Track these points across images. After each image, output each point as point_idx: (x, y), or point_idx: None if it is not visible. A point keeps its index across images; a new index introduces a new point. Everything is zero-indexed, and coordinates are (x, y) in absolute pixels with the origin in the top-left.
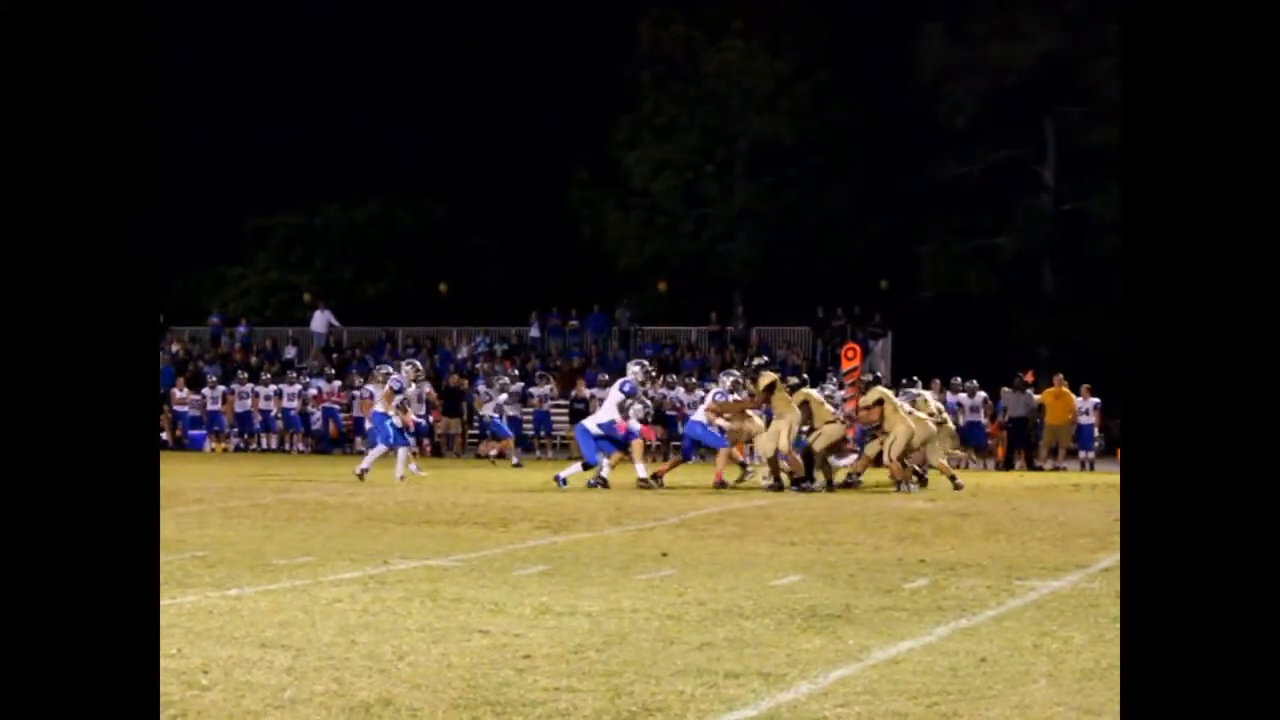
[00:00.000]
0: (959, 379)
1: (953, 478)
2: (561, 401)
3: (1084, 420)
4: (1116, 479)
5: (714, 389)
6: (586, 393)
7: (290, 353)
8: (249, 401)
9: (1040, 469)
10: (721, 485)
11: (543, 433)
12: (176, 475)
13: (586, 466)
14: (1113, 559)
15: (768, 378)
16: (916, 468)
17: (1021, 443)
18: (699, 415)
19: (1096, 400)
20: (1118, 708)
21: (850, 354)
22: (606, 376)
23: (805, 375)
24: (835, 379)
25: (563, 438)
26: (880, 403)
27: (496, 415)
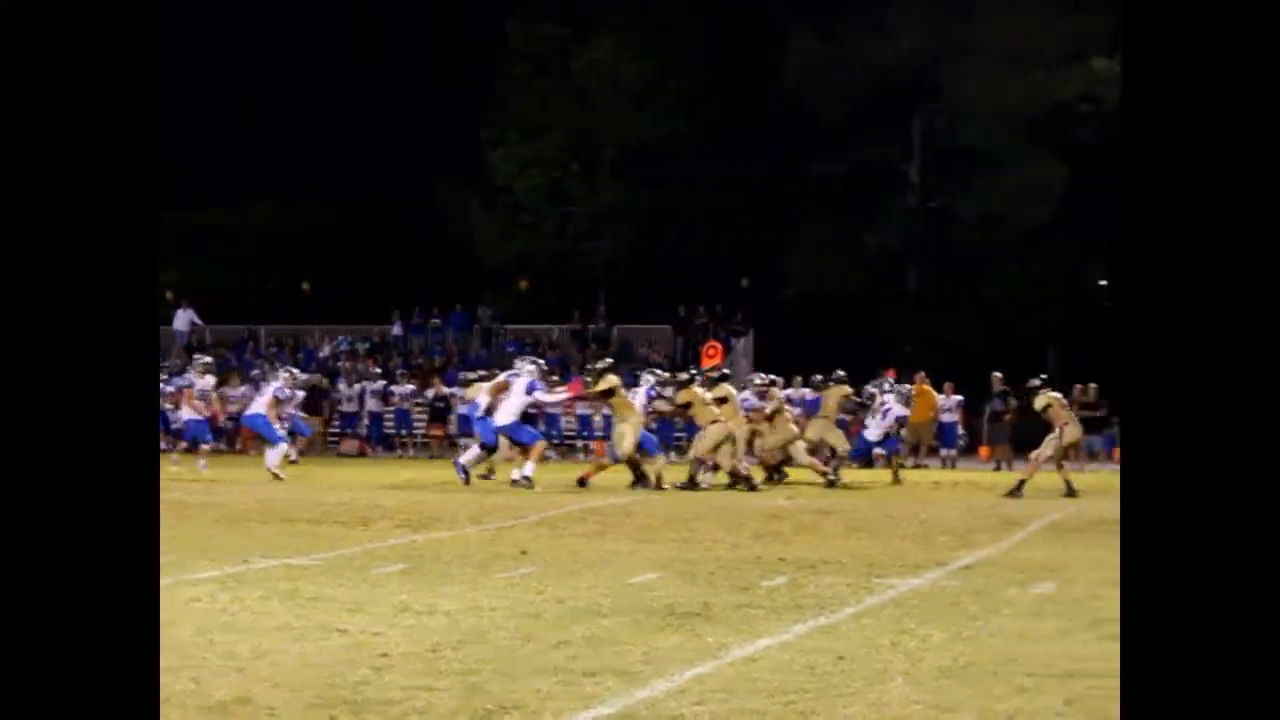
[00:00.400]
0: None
1: (825, 474)
2: (421, 400)
3: (947, 418)
4: (978, 476)
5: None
6: (445, 391)
7: None
8: None
9: (902, 467)
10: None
11: (403, 431)
12: None
13: (486, 447)
14: (973, 557)
15: (608, 381)
16: (766, 468)
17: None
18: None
19: (959, 398)
20: (976, 705)
21: (711, 352)
22: (469, 375)
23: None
24: (761, 377)
25: (423, 436)
26: (689, 405)
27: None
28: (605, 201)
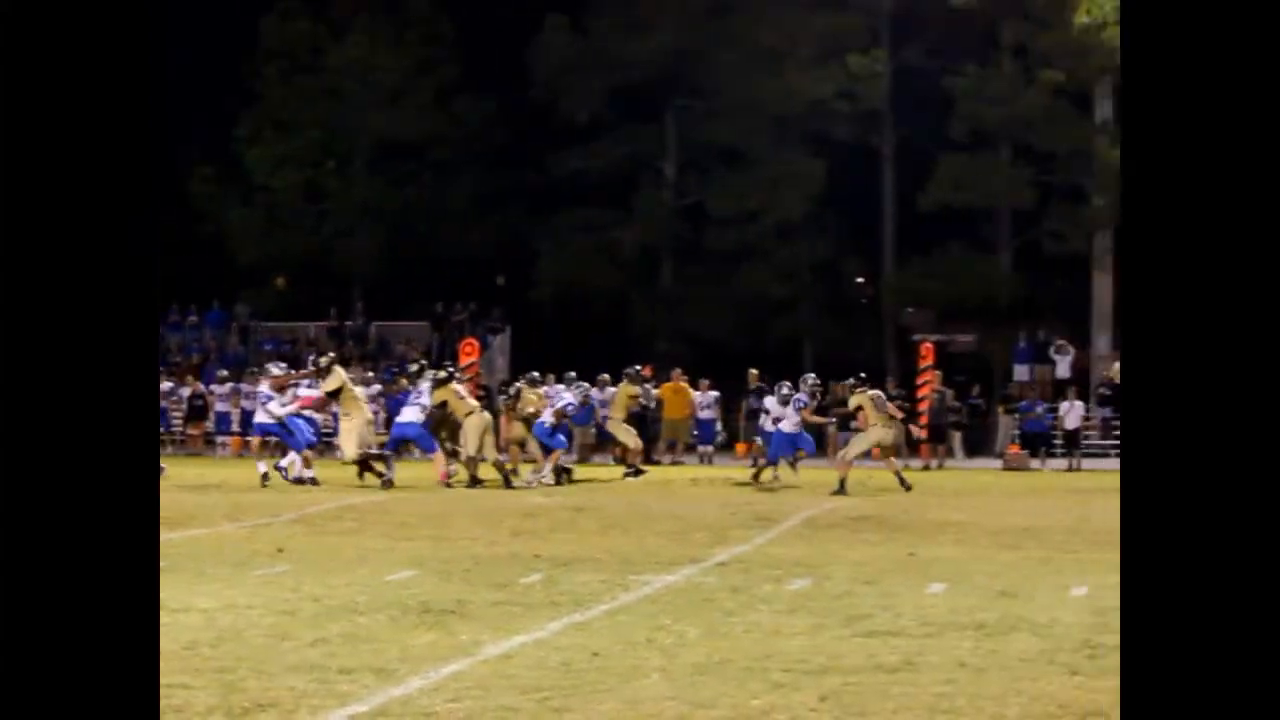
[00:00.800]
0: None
1: (562, 468)
2: (177, 398)
3: (704, 415)
4: (734, 472)
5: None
6: (203, 389)
7: None
8: None
9: (658, 463)
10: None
11: (161, 429)
12: None
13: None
14: (729, 553)
15: (336, 378)
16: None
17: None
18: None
19: (716, 394)
20: (731, 701)
21: (468, 349)
22: (225, 372)
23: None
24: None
25: (181, 434)
26: (443, 404)
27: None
28: (361, 198)
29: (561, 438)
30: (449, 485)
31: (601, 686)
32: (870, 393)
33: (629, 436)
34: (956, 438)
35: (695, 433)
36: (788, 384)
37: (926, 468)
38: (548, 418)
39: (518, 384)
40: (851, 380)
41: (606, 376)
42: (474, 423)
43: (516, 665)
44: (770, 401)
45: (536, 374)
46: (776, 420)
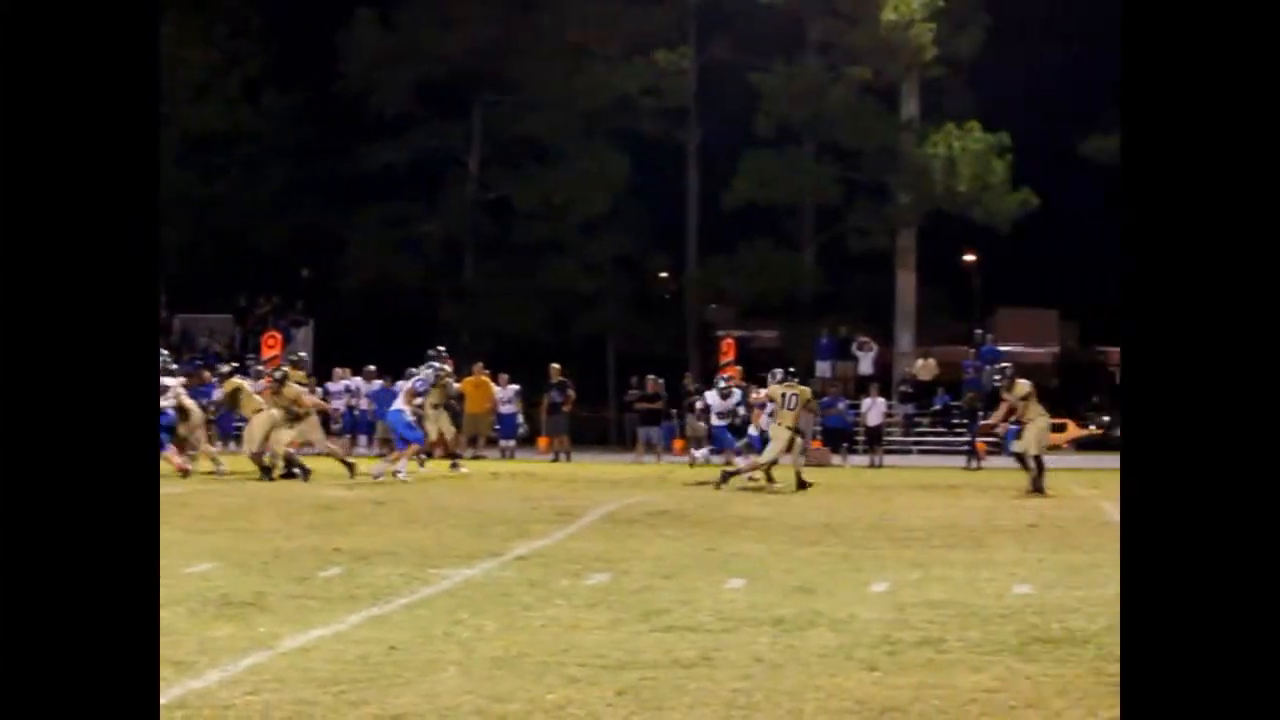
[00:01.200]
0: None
1: (348, 465)
2: None
3: (505, 409)
4: (535, 467)
5: (415, 377)
6: None
7: None
8: None
9: (459, 457)
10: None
11: None
12: None
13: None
14: (528, 547)
15: (231, 384)
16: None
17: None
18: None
19: (517, 388)
20: (528, 695)
21: (271, 342)
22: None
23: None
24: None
25: None
26: (235, 393)
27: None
28: (166, 190)
29: (419, 432)
30: (186, 475)
31: (399, 680)
32: (801, 387)
33: (448, 426)
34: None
35: (497, 427)
36: (724, 377)
37: (727, 462)
38: (406, 408)
39: (283, 368)
40: (779, 372)
41: (415, 370)
42: (261, 419)
43: (314, 658)
44: (711, 396)
45: (302, 354)
46: (720, 415)
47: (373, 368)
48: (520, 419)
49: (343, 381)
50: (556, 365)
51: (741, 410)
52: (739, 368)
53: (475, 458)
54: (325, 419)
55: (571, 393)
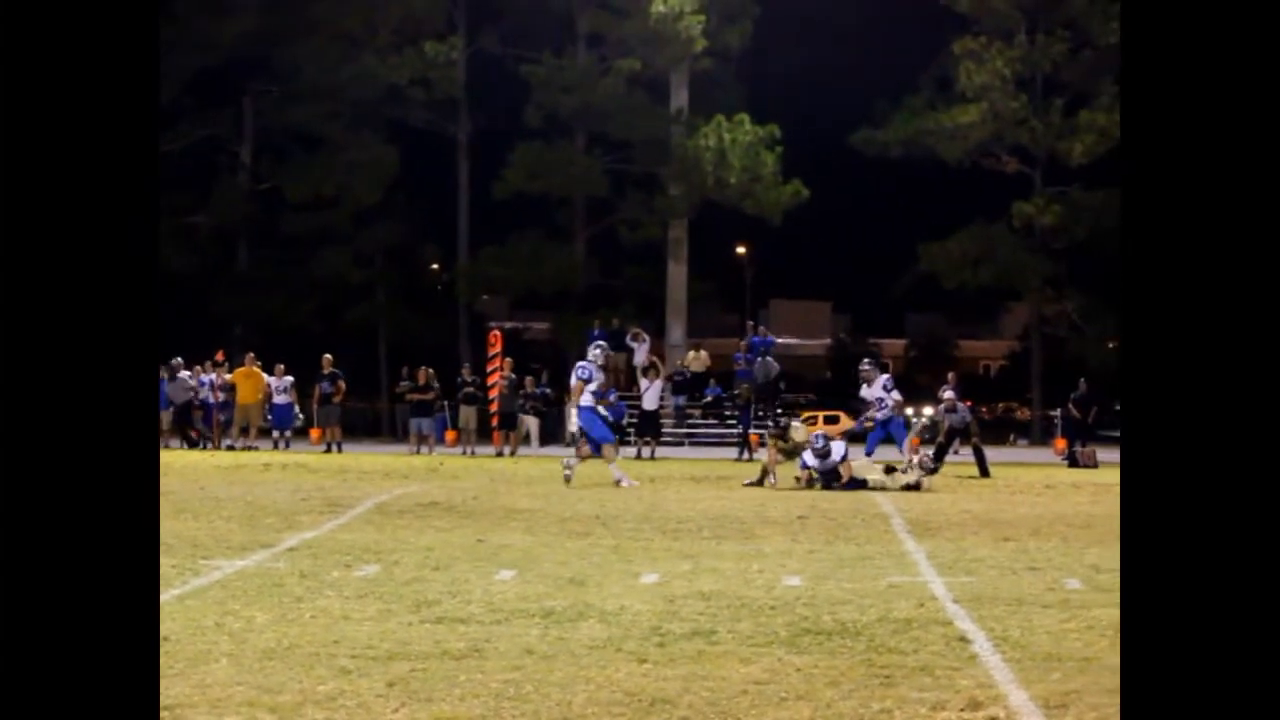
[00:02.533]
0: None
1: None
2: None
3: (280, 399)
4: (309, 458)
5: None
6: None
7: None
8: None
9: (233, 449)
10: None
11: None
12: None
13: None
14: (298, 538)
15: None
16: None
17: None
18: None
19: (291, 379)
20: (299, 686)
21: None
22: None
23: None
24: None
25: None
26: None
27: None
28: None
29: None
30: None
31: (170, 671)
32: None
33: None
34: (534, 425)
35: (269, 417)
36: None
37: (499, 454)
38: (590, 403)
39: None
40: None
41: (180, 360)
42: None
43: None
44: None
45: None
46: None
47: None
48: (296, 409)
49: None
50: (328, 356)
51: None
52: (509, 359)
53: (247, 448)
54: None
55: (342, 383)
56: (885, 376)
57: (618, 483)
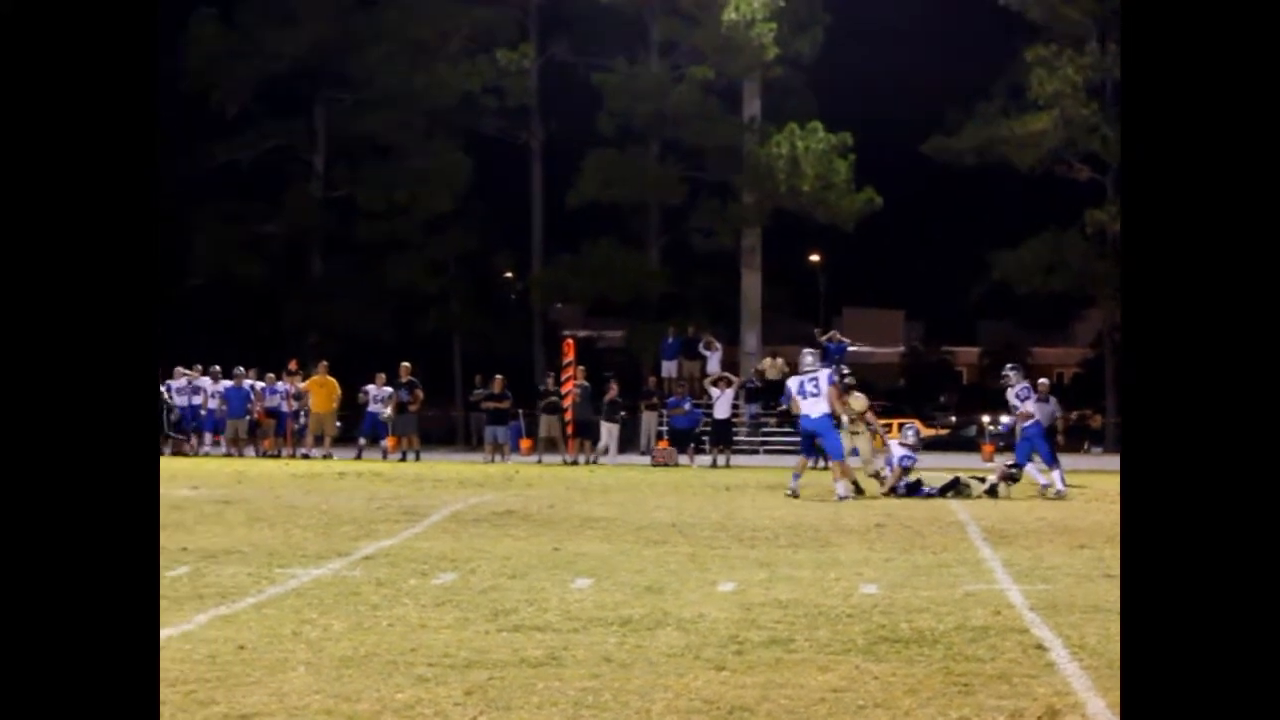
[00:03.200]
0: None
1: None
2: None
3: (375, 409)
4: (383, 467)
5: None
6: None
7: None
8: None
9: (308, 457)
10: None
11: None
12: None
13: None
14: (375, 547)
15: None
16: None
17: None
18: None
19: (390, 389)
20: (377, 694)
21: None
22: None
23: None
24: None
25: None
26: None
27: None
28: None
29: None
30: None
31: (248, 679)
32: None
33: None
34: (614, 433)
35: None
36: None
37: (574, 462)
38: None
39: None
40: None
41: (241, 370)
42: None
43: (163, 658)
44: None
45: None
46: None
47: (217, 368)
48: (386, 414)
49: (183, 378)
50: (406, 364)
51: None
52: (582, 367)
53: (325, 457)
54: None
55: (419, 392)
56: (1021, 385)
57: (842, 497)
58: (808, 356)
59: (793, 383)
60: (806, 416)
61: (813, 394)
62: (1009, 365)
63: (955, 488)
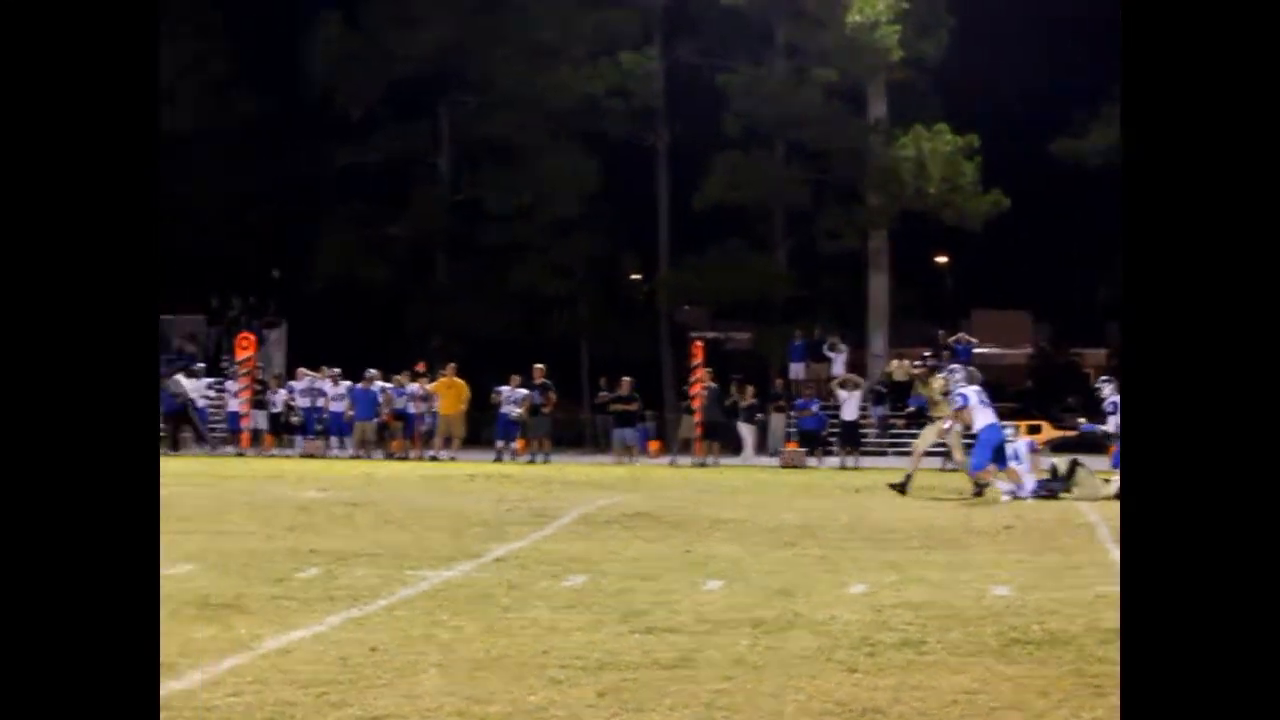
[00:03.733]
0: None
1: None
2: None
3: (508, 410)
4: (509, 468)
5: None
6: None
7: None
8: None
9: (436, 459)
10: None
11: None
12: None
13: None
14: (505, 549)
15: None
16: None
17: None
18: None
19: (525, 391)
20: (509, 697)
21: (245, 343)
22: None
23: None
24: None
25: None
26: None
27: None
28: None
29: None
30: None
31: (379, 681)
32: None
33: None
34: (750, 434)
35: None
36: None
37: (702, 465)
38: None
39: None
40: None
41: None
42: None
43: (295, 660)
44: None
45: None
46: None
47: (337, 370)
48: (517, 415)
49: (306, 380)
50: (540, 366)
51: None
52: (709, 369)
53: (452, 459)
54: None
55: (553, 394)
56: (1113, 398)
57: (1013, 495)
58: (959, 372)
59: (971, 393)
60: (993, 425)
61: (986, 404)
62: (1102, 378)
63: (1073, 473)
